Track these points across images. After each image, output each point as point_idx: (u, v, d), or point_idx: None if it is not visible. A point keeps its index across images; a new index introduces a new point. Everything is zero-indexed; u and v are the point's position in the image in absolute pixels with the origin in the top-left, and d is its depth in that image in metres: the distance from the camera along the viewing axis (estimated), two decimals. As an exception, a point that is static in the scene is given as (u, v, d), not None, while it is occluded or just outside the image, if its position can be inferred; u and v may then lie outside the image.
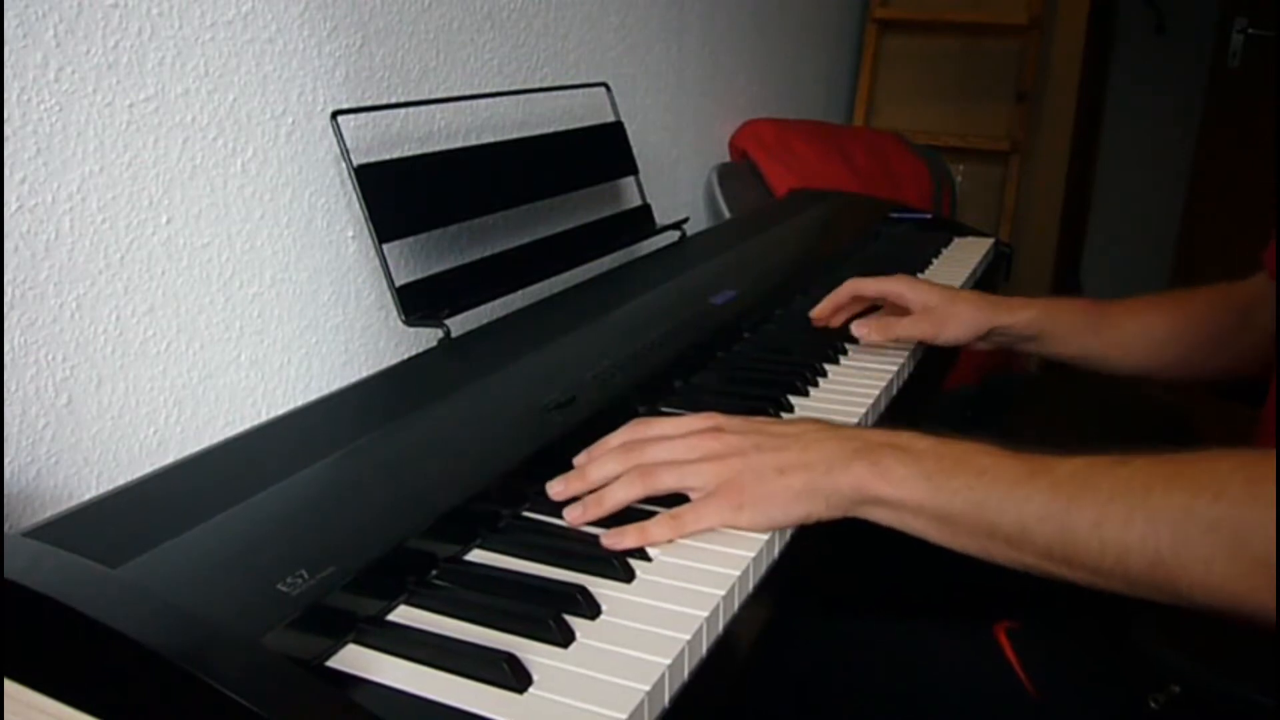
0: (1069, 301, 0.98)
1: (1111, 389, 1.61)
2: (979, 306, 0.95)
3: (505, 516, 0.64)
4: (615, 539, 0.60)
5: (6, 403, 0.70)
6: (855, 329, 0.94)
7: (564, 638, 0.51)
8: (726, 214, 1.68)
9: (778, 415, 0.80)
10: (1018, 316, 0.95)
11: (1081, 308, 0.97)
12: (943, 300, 0.95)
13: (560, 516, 0.64)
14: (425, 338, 0.90)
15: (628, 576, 0.57)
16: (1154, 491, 0.53)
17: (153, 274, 0.79)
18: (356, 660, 0.50)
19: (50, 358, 0.72)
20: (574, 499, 0.65)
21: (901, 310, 0.97)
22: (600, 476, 0.65)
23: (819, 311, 1.00)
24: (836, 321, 1.00)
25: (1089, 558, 0.55)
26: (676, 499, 0.64)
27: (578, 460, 0.68)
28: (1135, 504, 0.54)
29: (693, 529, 0.62)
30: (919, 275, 1.26)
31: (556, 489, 0.66)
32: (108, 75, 0.74)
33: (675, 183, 1.64)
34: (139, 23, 0.76)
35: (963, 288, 1.24)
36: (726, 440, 0.65)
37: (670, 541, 0.61)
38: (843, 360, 0.94)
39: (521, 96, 1.18)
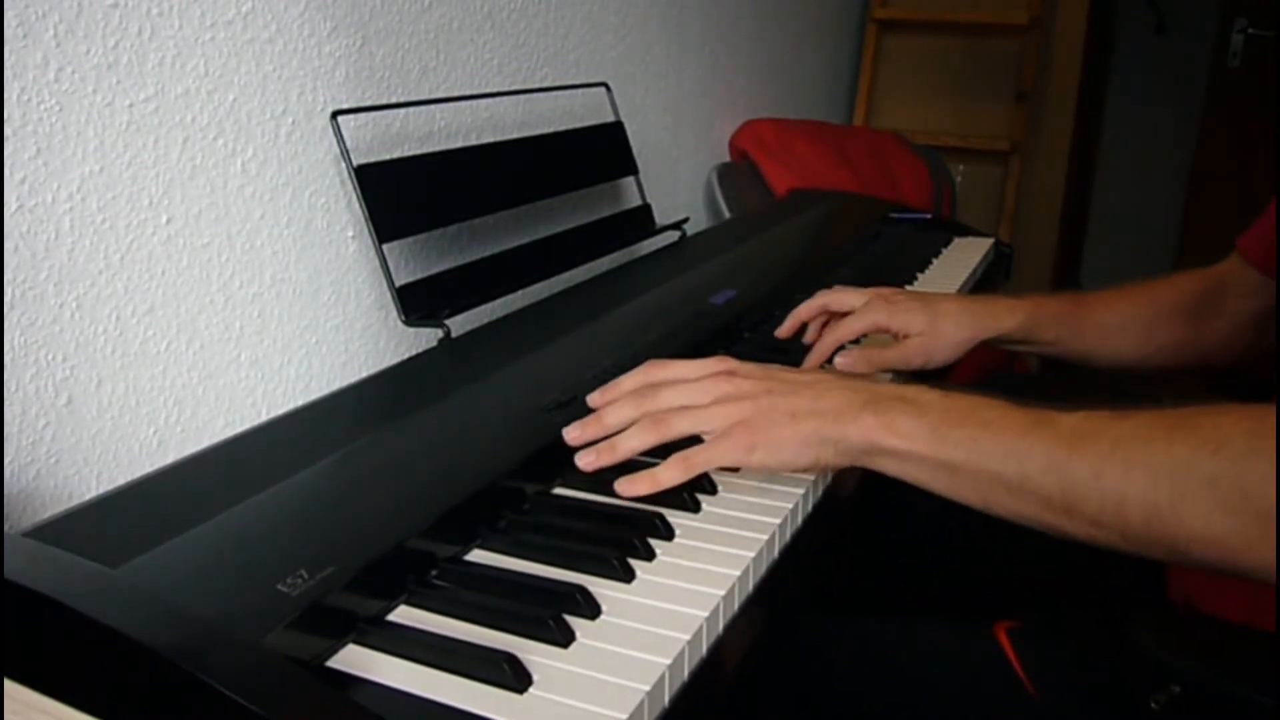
0: (1052, 300, 0.97)
1: (1111, 389, 1.61)
2: (963, 322, 0.91)
3: (506, 516, 0.64)
4: (628, 485, 0.62)
5: (6, 403, 0.70)
6: (838, 361, 0.89)
7: (564, 638, 0.51)
8: (726, 214, 1.68)
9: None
10: (1004, 325, 0.93)
11: (1064, 306, 0.96)
12: (926, 322, 0.90)
13: (561, 516, 0.64)
14: (425, 338, 0.90)
15: (628, 576, 0.57)
16: (1155, 444, 0.53)
17: (153, 274, 0.79)
18: (356, 660, 0.50)
19: (50, 358, 0.72)
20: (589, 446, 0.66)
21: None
22: (616, 422, 0.66)
23: (784, 332, 0.93)
24: (808, 337, 0.95)
25: (1088, 509, 0.55)
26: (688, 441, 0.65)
27: (592, 399, 0.69)
28: (1135, 456, 0.54)
29: (703, 469, 0.63)
30: (918, 275, 1.26)
31: (573, 434, 0.67)
32: (108, 75, 0.74)
33: (675, 183, 1.64)
34: (139, 23, 0.76)
35: (962, 288, 1.24)
36: (739, 384, 0.66)
37: (681, 483, 0.63)
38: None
39: (521, 96, 1.18)
